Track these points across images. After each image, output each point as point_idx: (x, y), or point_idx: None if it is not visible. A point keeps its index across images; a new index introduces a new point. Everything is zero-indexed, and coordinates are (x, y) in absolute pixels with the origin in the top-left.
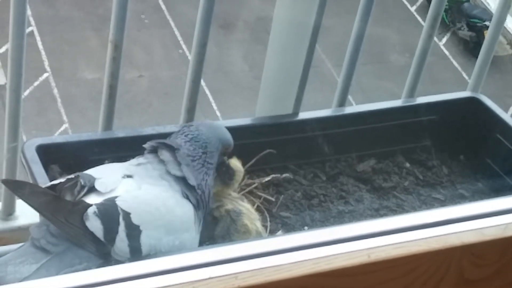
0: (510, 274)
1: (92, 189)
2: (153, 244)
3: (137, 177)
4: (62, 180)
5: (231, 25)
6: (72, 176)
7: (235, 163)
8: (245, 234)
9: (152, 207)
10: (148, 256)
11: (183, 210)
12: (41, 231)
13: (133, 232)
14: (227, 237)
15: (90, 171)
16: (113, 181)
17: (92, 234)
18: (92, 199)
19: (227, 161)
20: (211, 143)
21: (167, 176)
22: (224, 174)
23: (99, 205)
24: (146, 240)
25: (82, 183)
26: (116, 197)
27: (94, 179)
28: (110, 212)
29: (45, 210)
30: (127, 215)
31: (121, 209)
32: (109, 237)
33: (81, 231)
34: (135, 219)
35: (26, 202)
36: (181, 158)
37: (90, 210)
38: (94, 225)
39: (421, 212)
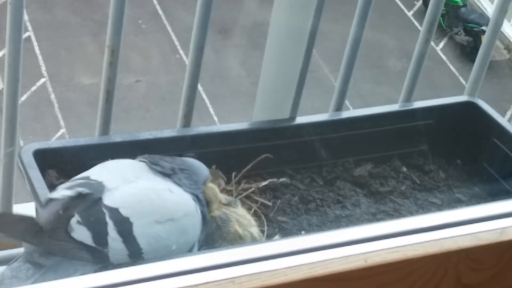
0: (507, 279)
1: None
2: (148, 233)
3: (143, 177)
4: (68, 194)
5: (228, 30)
6: (75, 193)
7: (209, 192)
8: (231, 242)
9: (140, 195)
10: (148, 247)
11: (179, 196)
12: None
13: (124, 226)
14: (211, 244)
15: (97, 175)
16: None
17: (81, 243)
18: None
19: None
20: (194, 179)
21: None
22: None
23: (80, 212)
24: (139, 231)
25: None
26: (99, 198)
27: (103, 187)
28: (94, 215)
29: (27, 238)
30: (114, 211)
31: (107, 206)
32: (100, 241)
33: (70, 245)
34: (124, 212)
35: (5, 234)
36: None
37: (73, 220)
38: (81, 234)
39: (418, 217)
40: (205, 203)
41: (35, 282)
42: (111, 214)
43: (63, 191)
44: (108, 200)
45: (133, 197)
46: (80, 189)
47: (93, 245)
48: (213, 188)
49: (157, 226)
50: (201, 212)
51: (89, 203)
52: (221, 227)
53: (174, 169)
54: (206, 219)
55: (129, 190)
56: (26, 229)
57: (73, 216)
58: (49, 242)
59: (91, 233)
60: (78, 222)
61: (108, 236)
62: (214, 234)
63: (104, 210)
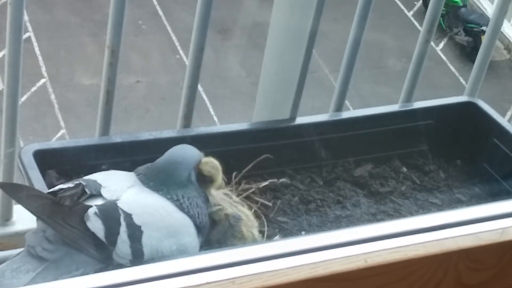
0: (507, 279)
1: (97, 196)
2: (155, 246)
3: (138, 186)
4: (63, 186)
5: (228, 30)
6: (73, 184)
7: (206, 167)
8: (241, 240)
9: (152, 209)
10: (150, 258)
11: (182, 216)
12: (37, 238)
13: (135, 233)
14: (223, 242)
15: (95, 178)
16: (119, 189)
17: (93, 235)
18: (94, 203)
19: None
20: (177, 178)
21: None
22: (201, 182)
23: (99, 206)
24: (147, 241)
25: (88, 192)
26: (116, 199)
27: (100, 186)
28: (111, 213)
29: (42, 214)
30: (128, 216)
31: (122, 210)
32: (111, 238)
33: (80, 233)
34: (136, 220)
35: (23, 205)
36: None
37: (91, 211)
38: (95, 225)
39: (418, 217)
40: (204, 221)
41: (37, 277)
42: (125, 217)
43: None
44: (123, 204)
45: (146, 209)
46: (79, 181)
47: (103, 240)
48: (209, 162)
49: (163, 241)
50: (198, 233)
51: (108, 202)
52: (233, 226)
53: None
54: (202, 230)
55: (142, 200)
56: (43, 207)
57: (90, 207)
58: (61, 226)
59: (104, 227)
60: (95, 213)
61: (118, 236)
62: (226, 233)
63: (120, 212)
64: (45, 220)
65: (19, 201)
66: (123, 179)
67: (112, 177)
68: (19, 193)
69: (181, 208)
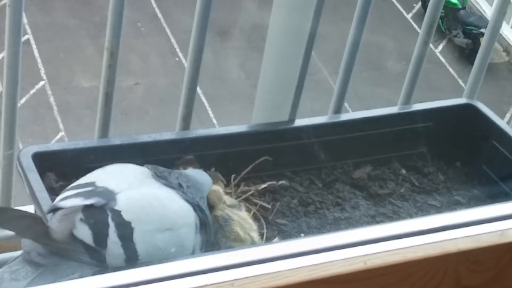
0: (506, 280)
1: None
2: (148, 241)
3: (147, 184)
4: (79, 203)
5: (228, 32)
6: (88, 204)
7: (213, 196)
8: (235, 241)
9: (143, 202)
10: (145, 255)
11: (179, 206)
12: (32, 243)
13: (125, 231)
14: (215, 243)
15: (103, 181)
16: (116, 184)
17: (82, 242)
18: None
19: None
20: (203, 193)
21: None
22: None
23: (84, 211)
24: (140, 238)
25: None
26: (105, 201)
27: (113, 193)
28: (97, 215)
29: (27, 235)
30: (116, 214)
31: (111, 209)
32: (100, 242)
33: (70, 246)
34: (126, 216)
35: (7, 228)
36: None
37: (76, 218)
38: (82, 232)
39: (417, 219)
40: (208, 212)
41: (32, 282)
42: (114, 216)
43: (72, 200)
44: (113, 202)
45: (136, 202)
46: (94, 200)
47: (93, 245)
48: (217, 191)
49: (156, 235)
50: (201, 223)
51: (95, 203)
52: (223, 227)
53: (180, 184)
54: (207, 229)
55: (132, 194)
56: (27, 227)
57: (76, 220)
58: (49, 244)
59: (92, 232)
60: (81, 219)
61: (108, 238)
62: (217, 234)
63: (108, 212)
64: (35, 241)
65: (2, 225)
66: (133, 178)
67: (120, 178)
68: (1, 215)
69: (200, 213)
